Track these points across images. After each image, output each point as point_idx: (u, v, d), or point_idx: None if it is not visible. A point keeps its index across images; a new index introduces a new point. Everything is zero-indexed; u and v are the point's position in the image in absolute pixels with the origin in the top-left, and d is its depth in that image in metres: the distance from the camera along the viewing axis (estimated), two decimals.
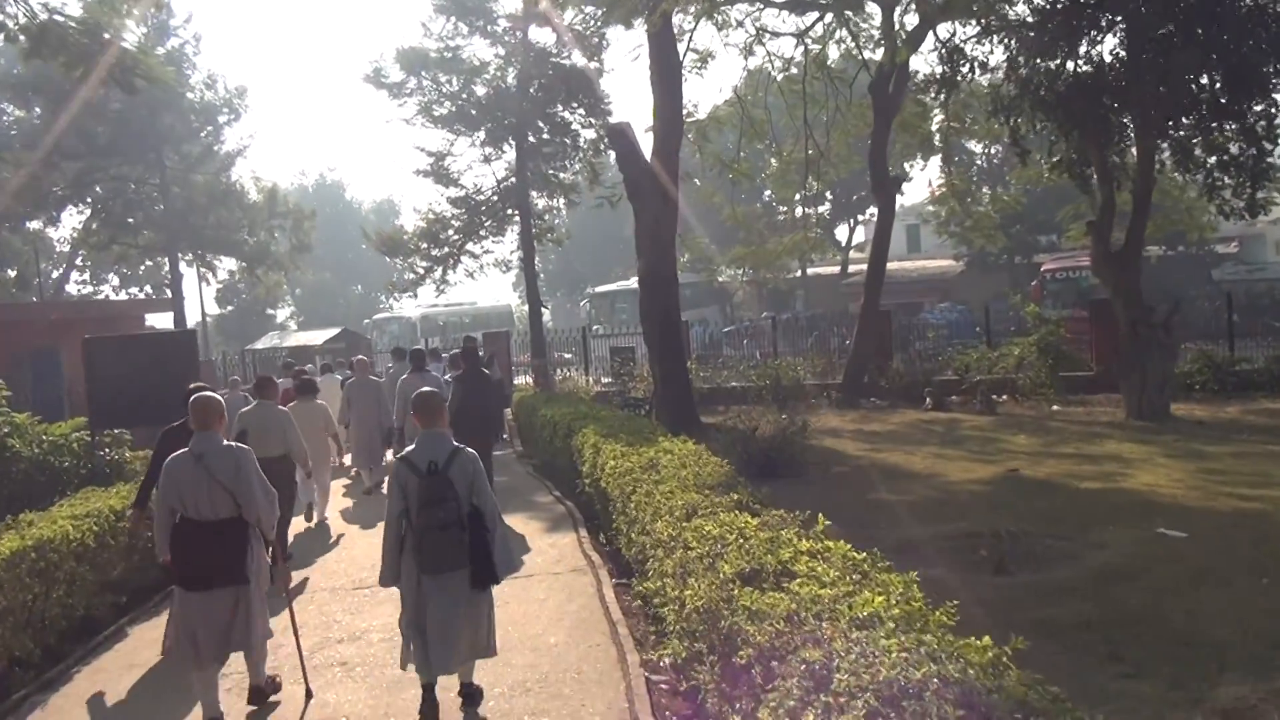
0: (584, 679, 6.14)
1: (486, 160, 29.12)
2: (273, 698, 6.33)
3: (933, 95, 21.93)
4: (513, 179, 28.43)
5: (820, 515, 4.90)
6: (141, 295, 53.08)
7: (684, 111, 19.31)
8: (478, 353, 13.35)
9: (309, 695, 6.29)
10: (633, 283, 29.63)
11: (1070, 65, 17.50)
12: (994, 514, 9.76)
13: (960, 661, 2.89)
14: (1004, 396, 19.21)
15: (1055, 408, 18.16)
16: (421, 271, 30.07)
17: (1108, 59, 17.63)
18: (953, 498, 11.00)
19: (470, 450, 5.79)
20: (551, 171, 29.16)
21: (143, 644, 7.80)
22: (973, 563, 8.16)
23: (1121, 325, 16.96)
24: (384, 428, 13.99)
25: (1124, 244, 17.64)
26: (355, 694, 6.28)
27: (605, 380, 25.40)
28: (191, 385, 8.09)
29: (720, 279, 41.25)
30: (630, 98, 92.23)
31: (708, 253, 32.76)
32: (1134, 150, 18.32)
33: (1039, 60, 17.62)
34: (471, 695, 5.90)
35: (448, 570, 5.50)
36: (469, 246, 29.83)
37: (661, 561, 5.55)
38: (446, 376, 14.60)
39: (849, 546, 4.38)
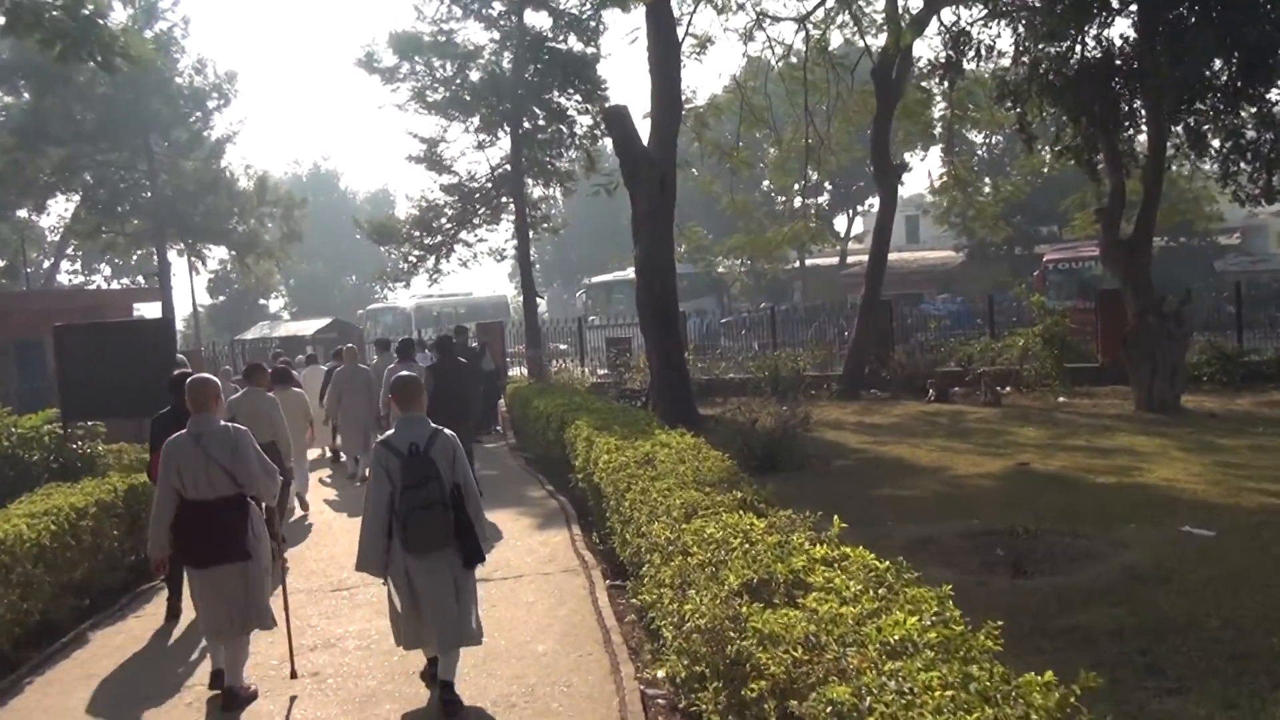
0: (574, 693, 5.65)
1: (480, 147, 28.61)
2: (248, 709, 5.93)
3: (937, 81, 21.40)
4: (507, 166, 27.90)
5: (836, 518, 4.40)
6: (133, 285, 52.52)
7: (682, 98, 18.80)
8: (453, 340, 13.18)
9: (294, 675, 6.24)
10: (629, 273, 29.14)
11: (1079, 49, 17.00)
12: (1007, 510, 9.27)
13: (1020, 704, 2.40)
14: (1008, 388, 18.72)
15: (1061, 399, 17.68)
16: (414, 260, 29.60)
17: (1118, 42, 17.13)
18: (962, 493, 10.52)
19: (449, 431, 5.79)
20: (547, 159, 28.58)
21: (104, 651, 7.29)
22: (989, 563, 7.67)
23: (1130, 315, 16.49)
24: (374, 415, 13.72)
25: (1133, 231, 17.17)
26: (325, 709, 5.78)
27: (601, 371, 24.88)
28: (176, 372, 8.12)
29: (718, 269, 40.71)
30: (627, 85, 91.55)
31: (705, 242, 32.20)
32: (1144, 136, 17.86)
33: (1047, 44, 17.11)
34: (451, 702, 5.52)
35: (434, 549, 5.51)
36: (463, 235, 29.35)
37: (659, 568, 5.06)
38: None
39: (871, 554, 3.89)
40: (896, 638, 2.91)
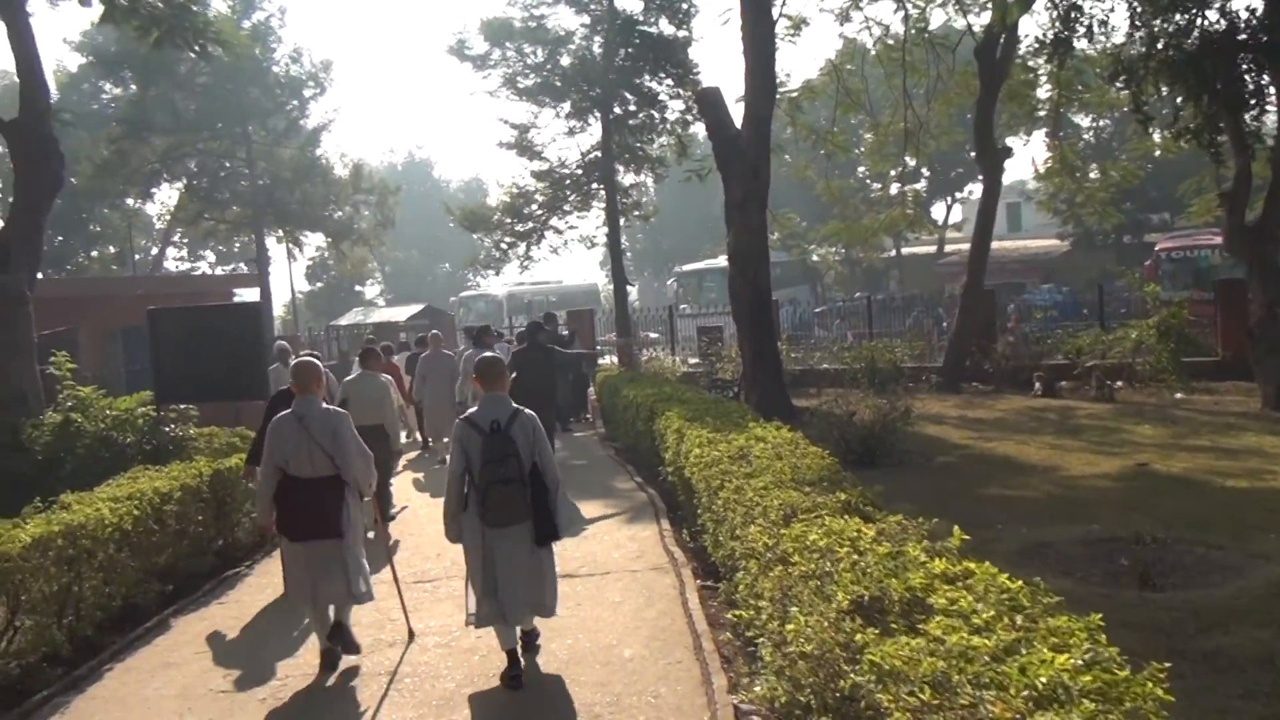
0: (662, 704, 5.27)
1: (571, 133, 28.44)
2: (351, 660, 6.33)
3: (1045, 59, 20.43)
4: (598, 152, 27.65)
5: (956, 529, 3.93)
6: (234, 271, 53.78)
7: (776, 81, 18.20)
8: (542, 327, 13.15)
9: (411, 636, 6.68)
10: (721, 261, 28.68)
11: (1201, 22, 15.99)
12: (1128, 515, 8.61)
13: None
14: (1120, 383, 17.76)
15: (1179, 395, 16.67)
16: (505, 247, 29.60)
17: (1244, 15, 16.06)
18: (1077, 494, 9.85)
19: (530, 411, 5.93)
20: (638, 144, 28.25)
21: (185, 639, 7.17)
22: (1112, 573, 7.07)
23: (1257, 306, 15.48)
24: (455, 401, 13.83)
25: (1260, 217, 16.11)
26: (402, 712, 5.51)
27: (692, 360, 24.49)
28: (302, 353, 8.49)
29: (812, 257, 39.95)
30: (719, 70, 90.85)
31: (799, 229, 31.51)
32: (1272, 115, 16.76)
33: (1165, 18, 16.12)
34: (530, 640, 6.16)
35: (512, 524, 5.68)
36: (553, 222, 29.24)
37: (755, 578, 4.64)
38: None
39: (1002, 574, 3.42)
40: (1044, 680, 2.46)
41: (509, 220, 29.15)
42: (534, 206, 28.93)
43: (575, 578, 7.72)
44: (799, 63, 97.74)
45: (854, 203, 30.02)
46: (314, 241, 48.00)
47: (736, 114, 16.70)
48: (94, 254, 44.38)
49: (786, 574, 4.14)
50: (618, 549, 8.74)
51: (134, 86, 37.08)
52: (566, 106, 27.74)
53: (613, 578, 7.81)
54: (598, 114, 27.33)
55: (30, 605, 6.26)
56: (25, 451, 11.09)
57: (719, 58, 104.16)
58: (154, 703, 5.99)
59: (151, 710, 5.88)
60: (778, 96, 18.94)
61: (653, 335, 30.43)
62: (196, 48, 15.50)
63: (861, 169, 45.35)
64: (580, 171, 28.34)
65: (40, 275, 15.69)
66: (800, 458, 6.56)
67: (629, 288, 31.41)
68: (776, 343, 17.76)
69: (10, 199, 14.86)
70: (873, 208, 33.28)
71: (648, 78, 27.11)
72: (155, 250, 53.84)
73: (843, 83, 22.99)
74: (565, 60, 27.55)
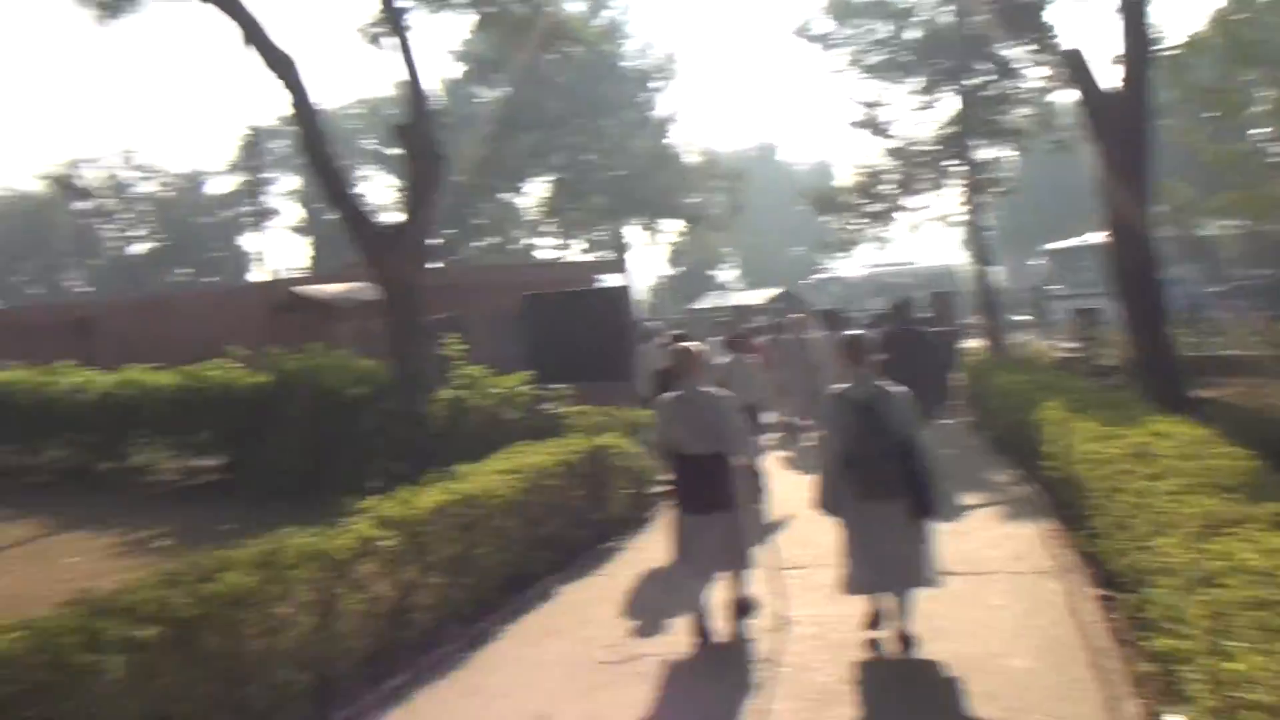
0: None
1: (922, 108, 27.44)
2: (753, 616, 6.81)
3: None
4: (953, 126, 26.46)
5: None
6: (599, 258, 56.98)
7: (1153, 36, 16.42)
8: (908, 305, 12.93)
9: (784, 623, 6.69)
10: (1094, 237, 26.63)
11: None
12: None
13: None
14: None
15: None
16: (857, 228, 29.19)
17: None
18: None
19: (900, 388, 6.04)
20: (995, 116, 26.72)
21: (565, 608, 7.59)
22: None
23: None
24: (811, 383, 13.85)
25: None
26: (776, 702, 5.46)
27: (1066, 345, 22.85)
28: (674, 334, 9.67)
29: (1205, 231, 36.07)
30: (1078, 33, 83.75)
31: (1187, 202, 28.48)
32: None
33: None
34: (909, 640, 5.97)
35: (885, 498, 5.83)
36: (906, 201, 28.37)
37: (1175, 599, 4.15)
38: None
39: None
40: None
41: (860, 201, 28.68)
42: (886, 186, 28.24)
43: (952, 575, 7.33)
44: (1181, 16, 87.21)
45: (1256, 168, 26.66)
46: (670, 228, 49.80)
47: (1106, 78, 15.28)
48: (477, 245, 48.60)
49: (1217, 599, 3.66)
50: (994, 547, 8.24)
51: (505, 88, 40.29)
52: (918, 80, 26.84)
53: (991, 579, 7.37)
54: (951, 87, 26.19)
55: (436, 565, 6.86)
56: (425, 426, 12.24)
57: (1074, 18, 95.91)
58: (539, 668, 6.35)
59: (538, 673, 6.23)
60: (1156, 53, 17.12)
61: (1021, 318, 28.79)
62: (557, 49, 16.61)
63: (1255, 130, 40.24)
64: (939, 147, 27.27)
65: (442, 265, 17.32)
66: (1213, 459, 5.84)
67: (995, 268, 29.92)
68: (1165, 326, 16.13)
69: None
70: (1274, 174, 29.43)
71: (1003, 44, 25.55)
72: (527, 240, 58.11)
73: (1233, 34, 20.43)
74: (912, 33, 26.67)
